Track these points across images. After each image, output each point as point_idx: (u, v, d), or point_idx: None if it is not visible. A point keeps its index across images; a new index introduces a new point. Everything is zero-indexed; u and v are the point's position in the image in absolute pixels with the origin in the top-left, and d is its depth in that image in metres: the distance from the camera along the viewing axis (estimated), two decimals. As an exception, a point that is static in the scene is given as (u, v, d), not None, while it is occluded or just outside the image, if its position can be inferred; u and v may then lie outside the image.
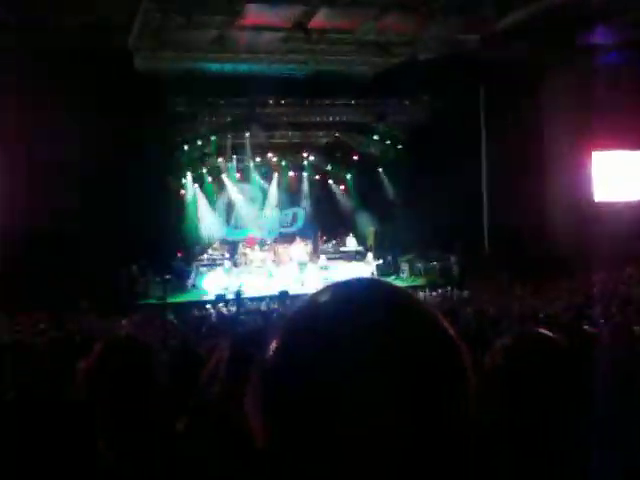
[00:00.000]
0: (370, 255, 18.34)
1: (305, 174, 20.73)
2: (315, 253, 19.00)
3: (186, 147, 18.39)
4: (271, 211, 20.63)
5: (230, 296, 15.10)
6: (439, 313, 0.61)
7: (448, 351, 0.58)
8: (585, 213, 16.26)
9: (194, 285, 16.95)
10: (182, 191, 19.32)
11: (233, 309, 13.19)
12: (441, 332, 0.60)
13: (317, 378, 0.55)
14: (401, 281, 17.27)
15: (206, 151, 19.18)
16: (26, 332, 7.29)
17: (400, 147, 19.63)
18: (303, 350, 0.57)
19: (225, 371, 1.45)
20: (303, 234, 19.77)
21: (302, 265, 17.71)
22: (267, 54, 14.73)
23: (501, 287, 13.27)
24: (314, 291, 0.64)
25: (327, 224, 19.93)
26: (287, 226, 20.83)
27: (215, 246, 18.58)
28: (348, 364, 0.55)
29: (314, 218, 20.29)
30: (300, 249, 18.80)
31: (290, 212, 20.97)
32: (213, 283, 16.49)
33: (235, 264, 17.70)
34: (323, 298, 0.61)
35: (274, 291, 15.21)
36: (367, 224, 20.39)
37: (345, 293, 0.62)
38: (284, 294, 14.61)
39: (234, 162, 19.70)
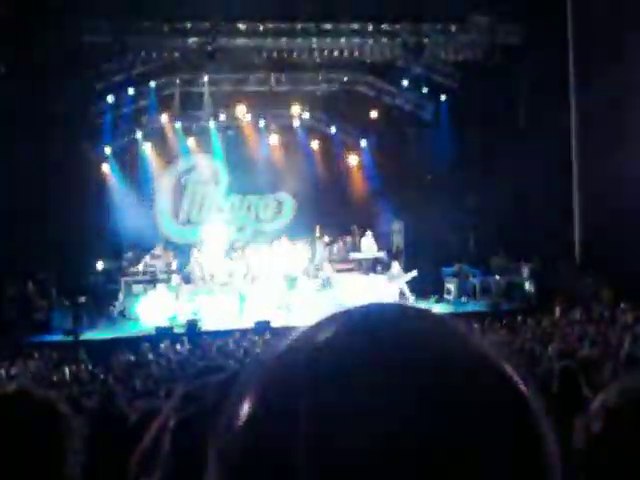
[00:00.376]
0: (397, 265, 18.34)
1: (297, 140, 20.52)
2: (312, 262, 18.89)
3: (110, 99, 18.39)
4: (243, 198, 20.38)
5: (179, 330, 15.22)
6: (505, 356, 0.64)
7: (514, 416, 0.60)
8: None
9: (123, 312, 17.12)
10: (104, 166, 19.32)
11: (184, 350, 13.32)
12: (507, 387, 0.61)
13: (314, 459, 0.56)
14: (446, 305, 17.40)
15: (142, 105, 19.14)
16: None
17: (444, 98, 19.59)
18: (293, 417, 0.58)
19: (170, 447, 1.46)
20: (293, 233, 19.66)
21: (291, 281, 17.77)
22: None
23: (600, 313, 13.35)
24: (310, 322, 0.66)
25: (331, 217, 19.80)
26: (268, 221, 20.62)
27: (156, 252, 18.54)
28: (361, 441, 0.56)
29: (310, 208, 20.17)
30: (289, 256, 18.60)
31: (273, 199, 20.72)
32: (152, 309, 16.60)
33: (187, 280, 17.75)
34: (325, 334, 0.62)
35: (248, 322, 15.33)
36: (392, 217, 20.32)
37: (359, 327, 0.63)
38: (263, 326, 14.72)
39: (185, 122, 19.65)
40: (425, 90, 19.81)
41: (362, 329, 0.62)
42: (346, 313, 0.65)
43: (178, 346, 13.73)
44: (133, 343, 14.24)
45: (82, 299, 16.54)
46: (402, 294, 17.49)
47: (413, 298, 17.36)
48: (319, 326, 0.64)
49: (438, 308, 15.90)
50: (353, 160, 21.20)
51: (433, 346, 0.61)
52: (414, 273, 17.91)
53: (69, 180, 16.49)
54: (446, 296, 18.35)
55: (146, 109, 19.38)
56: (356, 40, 18.24)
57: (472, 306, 17.40)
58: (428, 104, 19.98)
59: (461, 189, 18.57)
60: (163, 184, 20.30)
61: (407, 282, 17.91)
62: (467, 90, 18.53)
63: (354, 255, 19.50)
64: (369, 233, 19.55)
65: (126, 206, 19.40)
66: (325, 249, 19.54)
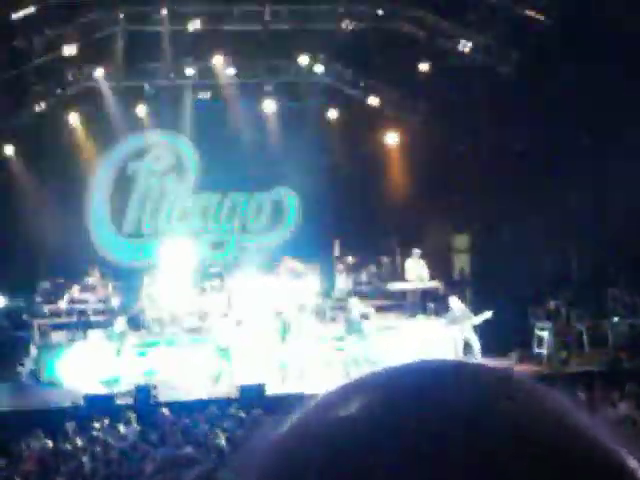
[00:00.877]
0: (458, 303, 18.61)
1: (304, 107, 20.84)
2: (329, 296, 19.22)
3: (15, 42, 18.37)
4: (223, 197, 20.80)
5: (124, 401, 15.55)
6: (628, 443, 0.66)
7: None
8: None
9: (35, 374, 17.27)
10: (6, 149, 19.65)
11: (130, 432, 13.88)
12: None
13: None
14: (536, 363, 18.05)
15: (63, 54, 18.96)
16: None
17: (534, 42, 19.32)
18: None
19: None
20: (299, 250, 19.99)
21: (297, 325, 17.67)
22: None
23: None
24: (327, 391, 0.68)
25: (356, 227, 20.17)
26: (261, 232, 21.16)
27: (88, 281, 18.74)
28: None
29: (325, 213, 20.46)
30: (293, 287, 18.58)
31: (268, 199, 21.27)
32: (82, 369, 16.75)
33: (135, 324, 18.12)
34: (349, 410, 0.64)
35: (230, 389, 15.81)
36: (453, 227, 20.76)
37: (402, 399, 0.64)
38: (254, 395, 15.19)
39: (133, 79, 19.84)
40: (505, 29, 19.88)
41: (406, 402, 0.64)
42: (381, 377, 0.67)
43: (122, 426, 14.50)
44: (52, 421, 14.62)
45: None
46: (468, 346, 17.87)
47: (485, 352, 17.64)
48: (340, 397, 0.66)
49: (524, 368, 16.36)
50: (392, 138, 21.37)
51: (519, 431, 0.61)
52: (487, 314, 18.16)
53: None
54: (537, 349, 18.82)
55: (71, 59, 19.29)
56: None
57: (577, 365, 17.76)
58: (509, 51, 19.88)
59: (559, 182, 18.26)
60: (99, 176, 20.29)
61: (476, 327, 18.20)
62: (570, 29, 18.20)
63: (394, 286, 19.74)
64: (416, 252, 19.72)
65: (41, 210, 19.44)
66: (349, 276, 19.71)
